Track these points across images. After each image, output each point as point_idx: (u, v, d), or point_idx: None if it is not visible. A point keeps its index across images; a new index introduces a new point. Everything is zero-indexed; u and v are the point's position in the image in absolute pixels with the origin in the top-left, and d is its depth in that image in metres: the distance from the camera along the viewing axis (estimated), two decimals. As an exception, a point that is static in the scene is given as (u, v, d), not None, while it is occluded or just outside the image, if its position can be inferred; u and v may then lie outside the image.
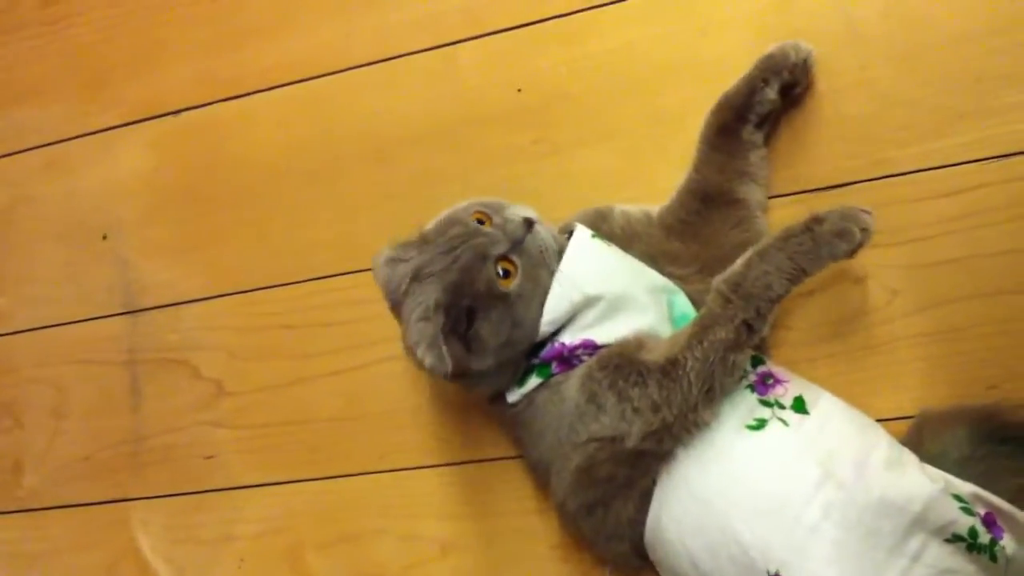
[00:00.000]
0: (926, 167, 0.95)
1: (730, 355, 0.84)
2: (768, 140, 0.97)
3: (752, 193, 0.96)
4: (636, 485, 0.87)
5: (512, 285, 0.89)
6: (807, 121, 0.98)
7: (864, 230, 0.83)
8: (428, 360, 0.86)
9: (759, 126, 0.96)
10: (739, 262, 0.86)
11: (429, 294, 0.88)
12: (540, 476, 0.98)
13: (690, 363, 0.84)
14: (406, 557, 1.10)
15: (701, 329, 0.84)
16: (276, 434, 1.16)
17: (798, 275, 0.84)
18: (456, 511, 1.09)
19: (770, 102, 0.94)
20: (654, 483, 0.86)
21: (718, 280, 0.86)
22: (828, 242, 0.83)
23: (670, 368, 0.84)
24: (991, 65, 0.93)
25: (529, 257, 0.90)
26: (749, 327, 0.84)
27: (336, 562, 1.13)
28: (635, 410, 0.85)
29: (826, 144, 0.98)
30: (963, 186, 0.94)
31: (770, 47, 0.95)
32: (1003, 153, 0.93)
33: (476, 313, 0.89)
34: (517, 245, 0.90)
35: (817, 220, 0.84)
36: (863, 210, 0.85)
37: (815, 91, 0.98)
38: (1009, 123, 0.92)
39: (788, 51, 0.94)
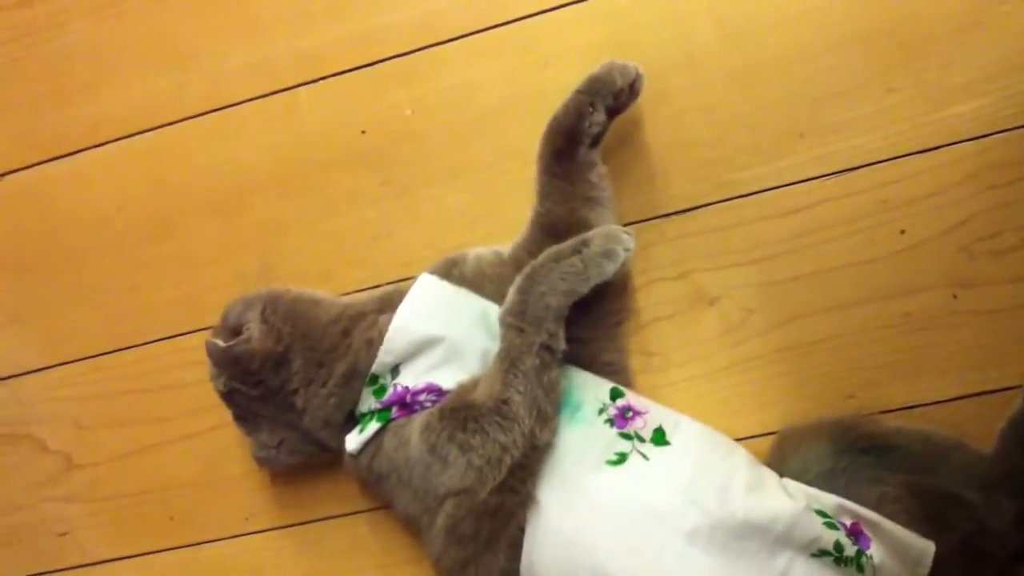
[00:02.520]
0: (769, 187, 0.96)
1: (543, 377, 0.86)
2: (607, 161, 0.97)
3: (600, 217, 0.95)
4: (502, 536, 0.86)
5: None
6: (652, 148, 0.99)
7: (627, 250, 0.88)
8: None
9: (593, 146, 0.95)
10: (513, 291, 0.88)
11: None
12: (410, 525, 0.97)
13: (516, 397, 0.85)
14: (280, 619, 1.06)
15: (511, 364, 0.86)
16: (132, 504, 1.11)
17: (571, 294, 0.87)
18: (328, 568, 1.06)
19: (600, 124, 0.94)
20: (521, 531, 0.85)
21: (502, 314, 0.88)
22: (596, 263, 0.88)
23: (503, 407, 0.85)
24: (825, 83, 0.95)
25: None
26: (548, 348, 0.86)
27: (206, 632, 1.08)
28: (483, 458, 0.84)
29: (671, 169, 0.98)
30: (805, 203, 0.95)
31: (596, 68, 0.94)
32: (841, 169, 0.95)
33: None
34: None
35: (584, 243, 0.88)
36: (625, 231, 0.89)
37: (657, 118, 0.99)
38: (845, 139, 0.95)
39: (614, 75, 0.93)
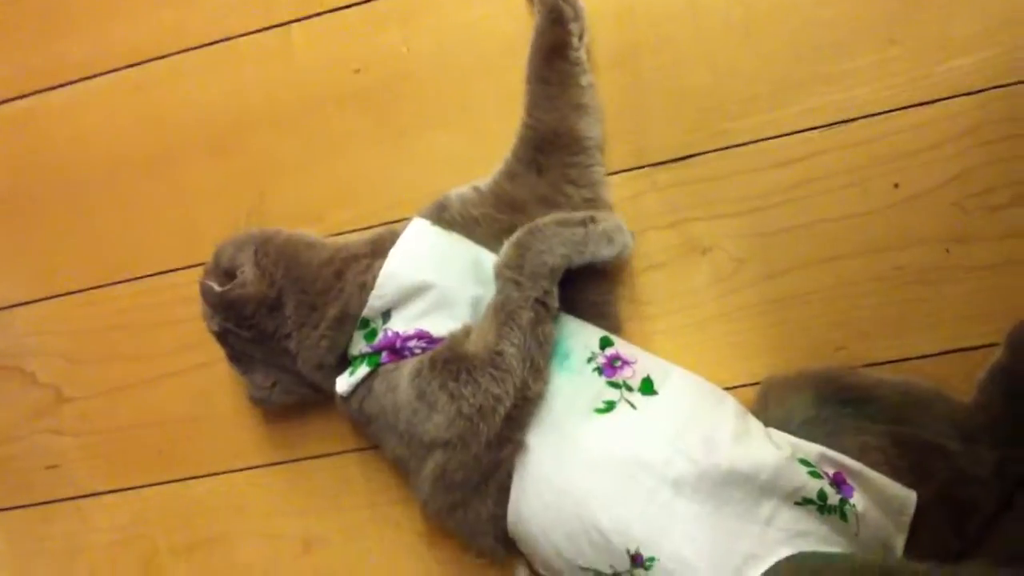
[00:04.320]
0: (764, 137, 0.96)
1: (538, 330, 0.86)
2: (602, 108, 0.98)
3: (589, 128, 0.96)
4: (491, 482, 0.88)
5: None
6: (647, 95, 0.98)
7: (626, 244, 0.91)
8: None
9: (581, 39, 0.96)
10: (512, 244, 0.89)
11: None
12: (398, 467, 0.97)
13: (510, 349, 0.85)
14: (268, 557, 1.08)
15: (507, 316, 0.86)
16: (122, 438, 1.12)
17: (567, 259, 0.88)
18: (317, 506, 1.07)
19: (580, 7, 0.96)
20: (509, 476, 0.87)
21: (499, 265, 0.89)
22: (596, 241, 0.89)
23: (497, 358, 0.85)
24: (825, 34, 0.94)
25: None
26: (544, 303, 0.87)
27: (194, 567, 1.10)
28: (474, 407, 0.85)
29: (666, 117, 0.98)
30: (800, 155, 0.95)
31: None
32: (837, 120, 0.94)
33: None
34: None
35: (592, 219, 0.90)
36: (627, 229, 0.91)
37: (654, 64, 0.98)
38: (841, 90, 0.94)
39: None
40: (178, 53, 1.09)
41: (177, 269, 1.10)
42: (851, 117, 0.94)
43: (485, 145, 1.00)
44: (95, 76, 1.12)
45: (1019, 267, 0.91)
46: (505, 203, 0.95)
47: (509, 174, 0.96)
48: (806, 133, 0.95)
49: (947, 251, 0.93)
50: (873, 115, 0.93)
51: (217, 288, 0.94)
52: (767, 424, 0.89)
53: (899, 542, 0.85)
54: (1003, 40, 0.91)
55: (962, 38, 0.92)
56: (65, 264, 1.13)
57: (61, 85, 1.13)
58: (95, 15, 1.12)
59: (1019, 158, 0.91)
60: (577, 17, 0.96)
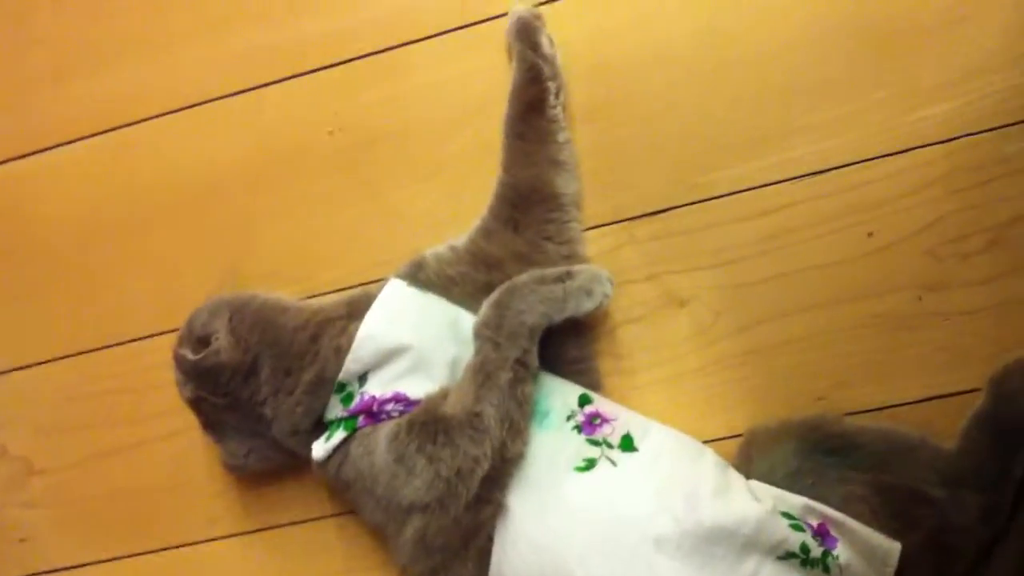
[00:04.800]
0: (739, 189, 0.97)
1: (517, 390, 0.86)
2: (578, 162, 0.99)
3: (566, 184, 0.97)
4: (472, 545, 0.87)
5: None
6: (622, 149, 0.99)
7: (606, 295, 0.91)
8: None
9: (557, 96, 0.97)
10: (490, 303, 0.89)
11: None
12: (377, 532, 0.97)
13: (488, 410, 0.85)
14: (244, 628, 1.06)
15: (485, 377, 0.86)
16: (94, 509, 1.10)
17: (546, 317, 0.89)
18: (296, 572, 1.05)
19: (553, 57, 0.97)
20: (490, 539, 0.86)
21: (478, 325, 0.89)
22: (575, 296, 0.90)
23: (475, 420, 0.85)
24: (794, 84, 0.96)
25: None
26: (523, 363, 0.87)
27: (169, 641, 1.07)
28: (452, 470, 0.85)
29: (642, 171, 0.99)
30: (775, 206, 0.96)
31: (508, 23, 0.98)
32: (810, 172, 0.95)
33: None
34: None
35: (569, 274, 0.91)
36: (608, 276, 0.92)
37: (627, 116, 0.99)
38: (814, 141, 0.95)
39: (523, 15, 0.98)
40: (154, 117, 1.10)
41: (150, 336, 1.09)
42: (824, 168, 0.95)
43: (459, 202, 1.01)
44: (68, 143, 1.13)
45: (995, 313, 0.92)
46: (481, 261, 0.95)
47: (485, 231, 0.96)
48: (779, 185, 0.96)
49: (920, 298, 0.93)
50: (845, 166, 0.95)
51: (191, 356, 0.94)
52: (751, 476, 0.89)
53: (883, 592, 0.84)
54: (969, 90, 0.93)
55: (929, 88, 0.93)
56: (33, 333, 1.13)
57: (34, 152, 1.14)
58: (65, 81, 1.13)
59: (989, 204, 0.92)
60: (555, 75, 0.97)
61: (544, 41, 0.98)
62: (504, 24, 1.00)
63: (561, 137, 0.97)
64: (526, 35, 0.97)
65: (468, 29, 1.03)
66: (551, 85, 0.97)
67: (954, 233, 0.93)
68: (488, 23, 1.02)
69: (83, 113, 1.12)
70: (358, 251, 1.04)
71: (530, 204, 0.96)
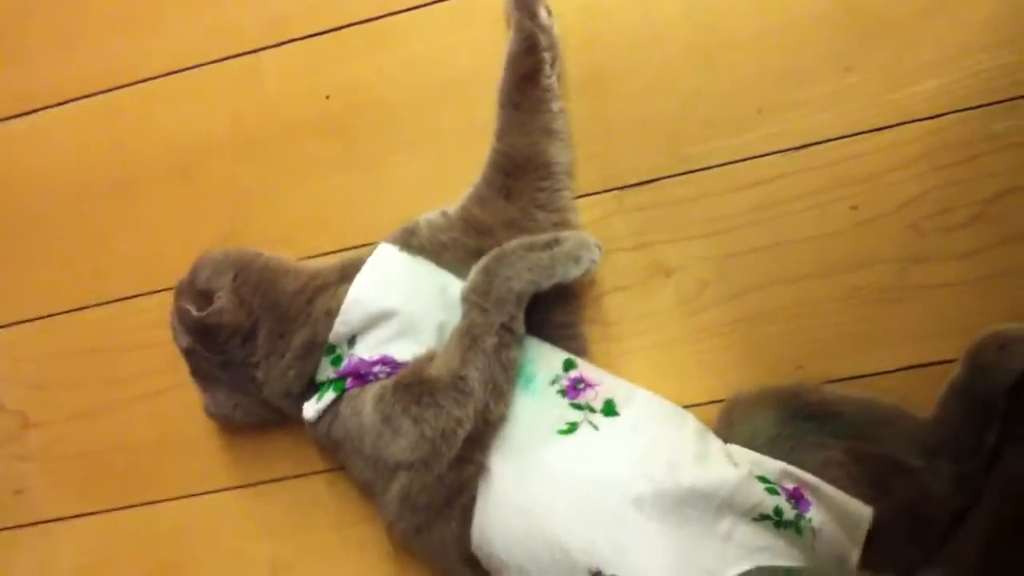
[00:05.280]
0: (727, 161, 0.98)
1: (502, 354, 0.88)
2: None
3: (559, 153, 0.98)
4: (455, 504, 0.88)
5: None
6: (614, 120, 1.00)
7: (593, 261, 0.92)
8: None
9: (552, 65, 0.98)
10: (478, 270, 0.91)
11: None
12: (365, 489, 0.98)
13: (473, 374, 0.86)
14: (235, 580, 1.07)
15: (471, 340, 0.88)
16: (89, 464, 1.11)
17: (534, 284, 0.90)
18: (284, 528, 1.06)
19: (550, 27, 0.98)
20: (473, 498, 0.87)
21: (466, 291, 0.90)
22: (563, 262, 0.91)
23: (460, 382, 0.86)
24: (785, 62, 0.97)
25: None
26: (509, 329, 0.88)
27: (161, 591, 1.08)
28: (436, 430, 0.86)
29: (633, 142, 1.00)
30: (762, 178, 0.97)
31: None
32: (798, 145, 0.96)
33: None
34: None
35: (556, 241, 0.91)
36: (596, 243, 0.93)
37: (620, 89, 1.00)
38: (803, 116, 0.96)
39: None
40: (147, 80, 1.11)
41: (142, 295, 1.10)
42: (810, 142, 0.96)
43: (451, 170, 1.02)
44: (62, 103, 1.14)
45: (974, 286, 0.93)
46: (473, 228, 0.96)
47: (478, 199, 0.97)
48: (767, 157, 0.97)
49: (903, 271, 0.95)
50: (832, 140, 0.96)
51: (194, 312, 0.94)
52: (732, 441, 0.91)
53: (854, 555, 0.87)
54: (958, 67, 0.94)
55: (916, 66, 0.94)
56: (31, 290, 1.14)
57: (28, 112, 1.15)
58: (62, 42, 1.14)
59: (973, 180, 0.93)
60: (551, 45, 0.98)
61: (542, 11, 0.98)
62: (494, -4, 1.00)
63: (555, 107, 0.98)
64: (525, 4, 0.98)
65: (455, 0, 1.03)
66: (547, 55, 0.97)
67: (938, 207, 0.94)
68: (479, -7, 1.02)
69: (75, 75, 1.13)
70: (351, 216, 1.05)
71: (523, 172, 0.97)
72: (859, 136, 0.95)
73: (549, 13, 0.99)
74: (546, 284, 0.91)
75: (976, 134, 0.93)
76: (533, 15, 0.97)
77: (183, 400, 1.07)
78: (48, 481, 1.13)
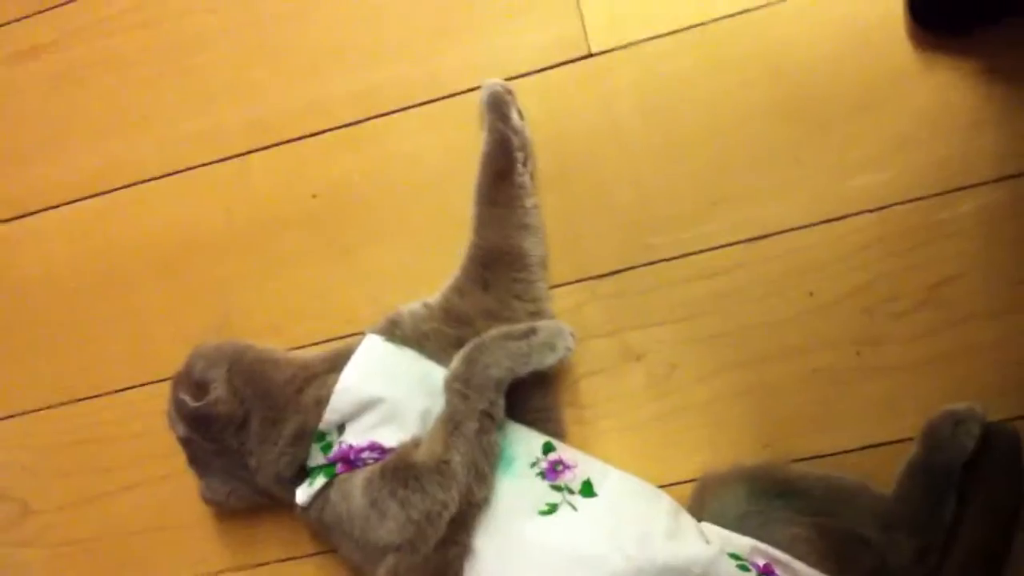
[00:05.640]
0: (689, 252, 1.03)
1: (483, 439, 0.92)
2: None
3: (533, 246, 1.03)
4: None
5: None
6: (582, 213, 1.05)
7: (568, 348, 0.96)
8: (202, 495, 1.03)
9: (525, 164, 1.03)
10: (460, 358, 0.95)
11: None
12: (355, 571, 1.01)
13: (456, 458, 0.90)
14: (230, 665, 1.09)
15: (454, 427, 0.92)
16: (86, 550, 1.14)
17: (512, 372, 0.94)
18: None
19: (522, 129, 1.04)
20: None
21: (448, 378, 0.94)
22: (539, 351, 0.95)
23: (443, 467, 0.90)
24: (737, 157, 1.03)
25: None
26: (489, 415, 0.92)
27: (157, 677, 1.10)
28: (422, 513, 0.90)
29: (600, 234, 1.05)
30: (723, 267, 1.02)
31: (481, 95, 1.04)
32: (754, 236, 1.02)
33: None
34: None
35: (533, 331, 0.96)
36: (570, 331, 0.97)
37: (588, 185, 1.06)
38: (757, 208, 1.02)
39: (495, 88, 1.05)
40: (140, 183, 1.16)
41: (136, 386, 1.14)
42: (766, 233, 1.01)
43: (427, 261, 1.07)
44: (55, 207, 1.18)
45: (925, 366, 0.98)
46: (453, 318, 1.00)
47: (458, 290, 1.02)
48: (726, 248, 1.02)
49: (858, 353, 0.99)
50: (785, 231, 1.01)
51: (191, 403, 0.98)
52: (704, 518, 0.94)
53: (824, 631, 0.89)
54: (898, 161, 1.00)
55: (861, 159, 1.00)
56: (29, 383, 1.17)
57: (21, 216, 1.19)
58: (53, 147, 1.19)
59: (918, 268, 0.99)
60: (522, 146, 1.03)
61: (514, 114, 1.04)
62: (466, 99, 1.07)
63: (528, 203, 1.03)
64: (497, 107, 1.03)
65: (434, 104, 1.09)
66: (519, 155, 1.03)
67: (887, 293, 0.99)
68: (451, 98, 1.09)
69: (69, 179, 1.18)
70: (335, 305, 1.10)
71: (499, 265, 1.01)
72: (810, 227, 1.01)
73: (521, 116, 1.05)
74: (524, 371, 0.95)
75: (916, 224, 0.99)
76: (505, 118, 1.03)
77: (176, 487, 1.10)
78: (47, 568, 1.15)
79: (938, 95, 0.99)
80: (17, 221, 1.19)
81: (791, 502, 0.94)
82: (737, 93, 1.03)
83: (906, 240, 0.99)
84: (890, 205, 1.00)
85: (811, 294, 1.01)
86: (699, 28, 1.04)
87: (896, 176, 1.00)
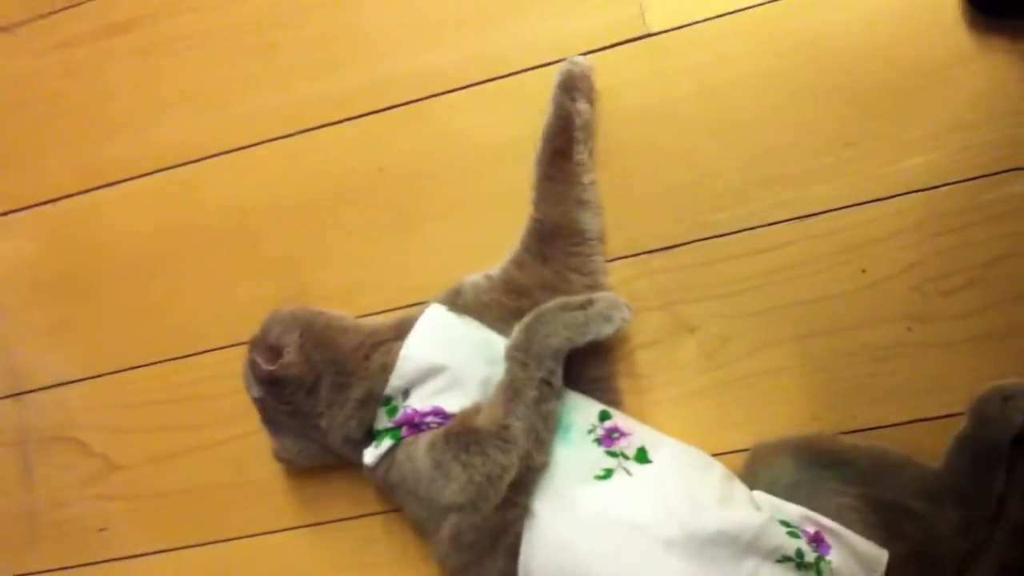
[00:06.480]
0: (742, 228, 1.05)
1: (542, 406, 0.94)
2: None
3: (590, 221, 1.05)
4: (500, 544, 0.94)
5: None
6: (636, 189, 1.07)
7: (624, 319, 0.98)
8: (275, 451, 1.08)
9: (584, 143, 1.06)
10: (520, 328, 0.97)
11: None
12: (418, 529, 1.06)
13: (516, 424, 0.93)
14: (300, 611, 1.15)
15: (514, 394, 0.94)
16: (166, 504, 1.19)
17: (570, 341, 0.96)
18: (345, 564, 1.12)
19: (586, 112, 1.06)
20: (517, 538, 0.93)
21: (509, 348, 0.97)
22: (596, 321, 0.97)
23: (504, 432, 0.93)
24: (791, 137, 1.04)
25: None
26: (548, 383, 0.95)
27: (232, 623, 1.16)
28: (483, 475, 0.93)
29: (656, 210, 1.07)
30: (774, 244, 1.04)
31: (555, 74, 1.07)
32: (806, 214, 1.03)
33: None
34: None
35: (591, 301, 0.98)
36: (626, 304, 0.99)
37: (643, 162, 1.08)
38: (808, 187, 1.03)
39: (570, 68, 1.07)
40: (217, 155, 1.21)
41: (215, 349, 1.19)
42: (817, 211, 1.03)
43: (489, 235, 1.10)
44: (144, 175, 1.23)
45: (974, 344, 0.99)
46: (513, 289, 1.04)
47: (517, 263, 1.05)
48: (778, 225, 1.04)
49: (909, 329, 1.00)
50: (836, 209, 1.02)
51: (265, 365, 1.03)
52: (756, 487, 0.96)
53: (872, 596, 0.91)
54: (948, 143, 1.00)
55: (911, 141, 1.01)
56: (115, 344, 1.22)
57: (112, 183, 1.25)
58: (143, 118, 1.25)
59: (967, 246, 1.00)
60: (584, 126, 1.06)
61: (582, 94, 1.06)
62: (525, 77, 1.11)
63: (586, 179, 1.06)
64: (568, 85, 1.06)
65: (493, 82, 1.12)
66: (579, 135, 1.05)
67: (938, 272, 1.00)
68: (511, 77, 1.12)
69: (157, 150, 1.22)
70: (401, 277, 1.13)
71: (557, 239, 1.05)
72: (860, 206, 1.02)
73: (591, 99, 1.07)
74: (581, 341, 0.98)
75: (966, 205, 1.00)
76: (573, 96, 1.06)
77: (251, 446, 1.15)
78: (129, 520, 1.20)
79: (991, 78, 1.00)
80: (106, 188, 1.24)
81: (839, 472, 0.95)
82: (791, 75, 1.05)
83: (956, 220, 1.00)
84: (940, 185, 1.00)
85: (863, 271, 1.02)
86: (755, 9, 1.06)
87: (947, 157, 1.00)
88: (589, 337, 0.97)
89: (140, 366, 1.21)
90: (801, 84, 1.04)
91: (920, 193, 1.01)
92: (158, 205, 1.22)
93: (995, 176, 0.99)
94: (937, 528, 0.93)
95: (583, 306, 0.98)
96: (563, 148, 1.05)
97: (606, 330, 0.98)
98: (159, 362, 1.21)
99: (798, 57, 1.05)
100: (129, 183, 1.24)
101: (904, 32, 1.02)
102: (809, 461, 0.97)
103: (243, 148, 1.20)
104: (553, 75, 1.07)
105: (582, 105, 1.06)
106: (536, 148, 1.06)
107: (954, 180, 1.00)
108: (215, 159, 1.21)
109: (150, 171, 1.23)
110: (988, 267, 0.99)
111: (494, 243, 1.08)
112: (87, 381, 1.24)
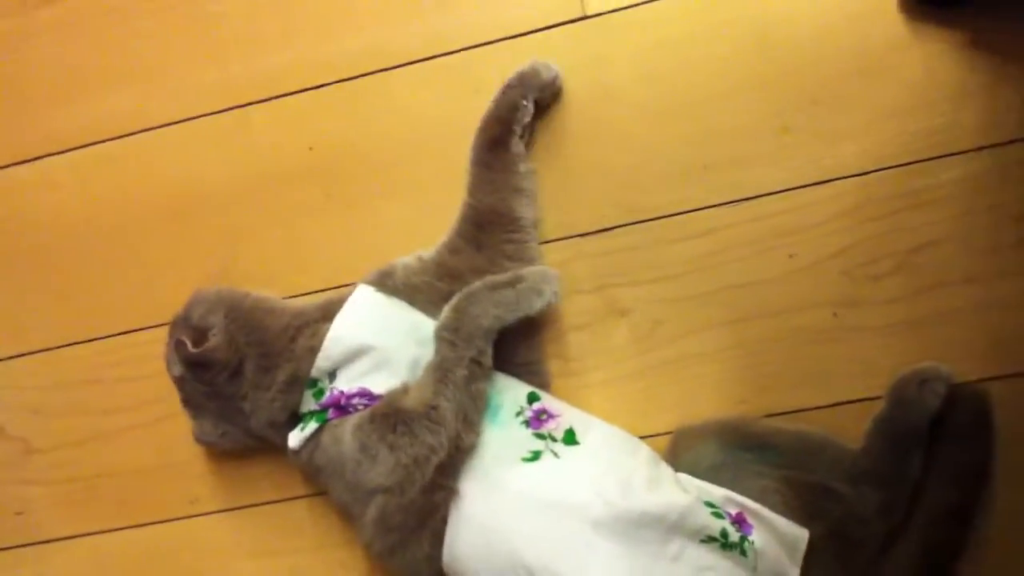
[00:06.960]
0: (677, 212, 1.05)
1: (471, 386, 0.94)
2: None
3: (525, 209, 1.05)
4: (427, 526, 0.94)
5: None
6: (573, 172, 1.07)
7: (555, 292, 0.98)
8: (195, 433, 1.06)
9: (522, 136, 1.05)
10: (449, 308, 0.97)
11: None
12: (344, 512, 1.05)
13: (444, 404, 0.93)
14: (221, 598, 1.13)
15: (443, 374, 0.94)
16: (86, 488, 1.17)
17: (500, 320, 0.96)
18: (269, 549, 1.12)
19: (530, 114, 1.05)
20: (444, 520, 0.93)
21: (438, 328, 0.96)
22: (526, 297, 0.97)
23: (432, 412, 0.93)
24: (728, 122, 1.05)
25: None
26: (478, 362, 0.95)
27: (148, 611, 1.15)
28: (411, 457, 0.93)
29: (591, 193, 1.07)
30: (707, 228, 1.04)
31: (521, 66, 1.05)
32: (739, 198, 1.04)
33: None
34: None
35: (519, 278, 0.97)
36: (556, 275, 0.99)
37: (580, 144, 1.08)
38: (743, 171, 1.04)
39: (539, 70, 1.05)
40: (143, 131, 1.18)
41: (138, 329, 1.17)
42: (751, 195, 1.04)
43: (423, 215, 1.09)
44: (66, 151, 1.20)
45: (900, 329, 1.01)
46: (445, 273, 1.03)
47: (451, 247, 1.04)
48: (712, 209, 1.04)
49: (835, 315, 1.02)
50: (770, 194, 1.03)
51: (190, 347, 1.01)
52: (678, 469, 0.97)
53: (793, 575, 0.93)
54: (883, 129, 1.02)
55: (845, 127, 1.02)
56: (34, 324, 1.20)
57: (35, 158, 1.21)
58: (64, 95, 1.21)
59: (897, 232, 1.01)
60: (528, 121, 1.05)
61: (532, 95, 1.05)
62: (463, 57, 1.10)
63: (523, 168, 1.05)
64: (529, 83, 1.05)
65: (434, 60, 1.11)
66: (517, 128, 1.04)
67: (866, 257, 1.01)
68: (448, 56, 1.11)
69: (80, 125, 1.20)
70: (331, 257, 1.12)
71: (492, 226, 1.04)
72: (794, 191, 1.03)
73: (542, 107, 1.07)
74: (512, 318, 0.97)
75: (899, 190, 1.01)
76: (526, 97, 1.05)
77: (174, 429, 1.12)
78: (47, 504, 1.18)
79: (925, 66, 1.01)
80: (28, 164, 1.21)
81: (761, 455, 0.97)
82: (729, 60, 1.05)
83: (887, 206, 1.01)
84: (872, 171, 1.02)
85: (792, 256, 1.03)
86: (694, -7, 1.05)
87: (880, 144, 1.02)
88: (520, 313, 0.97)
89: (60, 346, 1.19)
90: (739, 69, 1.05)
91: (854, 178, 1.02)
92: (81, 181, 1.20)
93: (927, 162, 1.01)
94: (856, 508, 0.94)
95: (512, 283, 0.97)
96: (501, 137, 1.04)
97: (537, 305, 0.97)
98: (79, 343, 1.18)
99: (737, 42, 1.05)
100: (51, 159, 1.21)
101: (841, 19, 1.03)
102: (732, 444, 0.98)
103: (172, 124, 1.17)
104: (517, 67, 1.05)
105: (531, 105, 1.05)
106: (475, 134, 1.06)
107: (887, 166, 1.01)
108: (142, 135, 1.18)
109: (74, 147, 1.20)
110: (916, 252, 1.01)
111: (426, 224, 1.07)
112: (4, 362, 1.21)
